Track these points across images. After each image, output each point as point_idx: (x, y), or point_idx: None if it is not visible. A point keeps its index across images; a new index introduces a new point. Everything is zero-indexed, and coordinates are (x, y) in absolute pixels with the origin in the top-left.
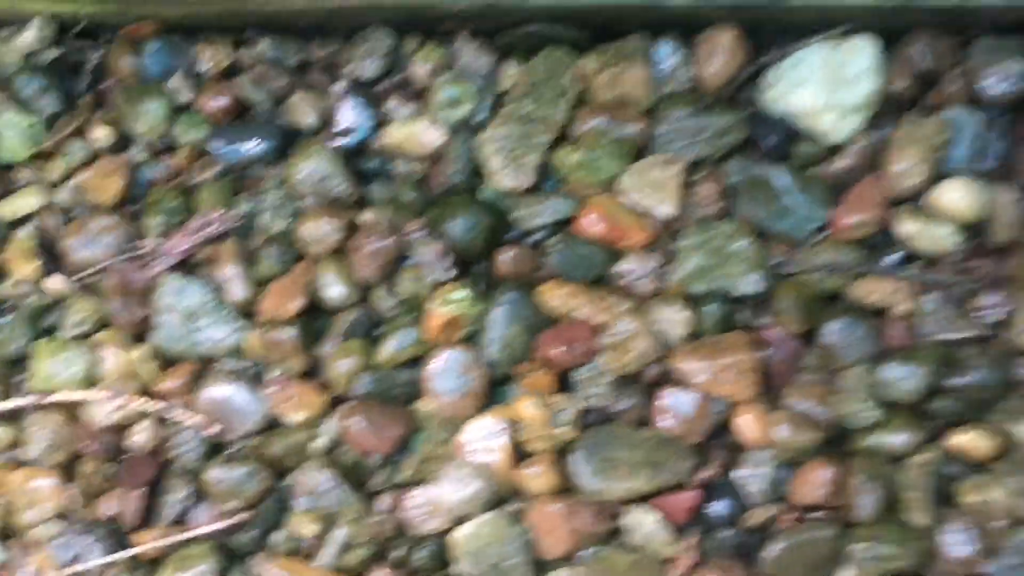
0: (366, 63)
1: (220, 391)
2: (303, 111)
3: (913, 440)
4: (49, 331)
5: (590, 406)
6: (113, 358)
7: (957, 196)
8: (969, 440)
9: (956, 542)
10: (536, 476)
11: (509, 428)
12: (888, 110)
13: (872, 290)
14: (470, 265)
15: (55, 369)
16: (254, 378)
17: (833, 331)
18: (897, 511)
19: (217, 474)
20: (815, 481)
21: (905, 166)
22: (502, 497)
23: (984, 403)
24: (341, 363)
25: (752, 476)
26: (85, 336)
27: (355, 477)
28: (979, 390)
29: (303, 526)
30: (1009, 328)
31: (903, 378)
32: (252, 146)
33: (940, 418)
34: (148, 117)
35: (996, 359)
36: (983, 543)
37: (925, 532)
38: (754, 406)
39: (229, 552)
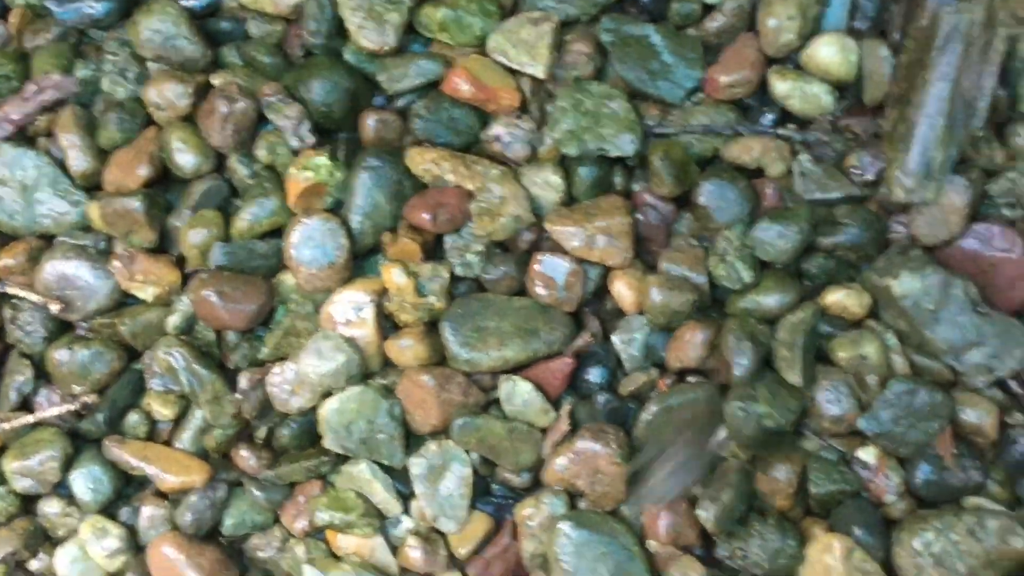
0: None
1: (63, 267)
2: None
3: (787, 300)
4: None
5: (460, 275)
6: None
7: (831, 54)
8: (842, 298)
9: (829, 399)
10: (405, 348)
11: (376, 299)
12: None
13: (746, 151)
14: (332, 131)
15: None
16: (100, 254)
17: (707, 193)
18: (772, 371)
19: (60, 355)
20: (690, 344)
21: (779, 23)
22: (370, 370)
23: (857, 261)
24: (194, 235)
25: (627, 342)
26: None
27: (213, 355)
28: (852, 248)
29: (159, 408)
30: (881, 186)
31: (776, 238)
32: (92, 6)
33: (814, 277)
34: None
35: (869, 218)
36: (856, 398)
37: (799, 390)
38: (628, 271)
39: (77, 437)
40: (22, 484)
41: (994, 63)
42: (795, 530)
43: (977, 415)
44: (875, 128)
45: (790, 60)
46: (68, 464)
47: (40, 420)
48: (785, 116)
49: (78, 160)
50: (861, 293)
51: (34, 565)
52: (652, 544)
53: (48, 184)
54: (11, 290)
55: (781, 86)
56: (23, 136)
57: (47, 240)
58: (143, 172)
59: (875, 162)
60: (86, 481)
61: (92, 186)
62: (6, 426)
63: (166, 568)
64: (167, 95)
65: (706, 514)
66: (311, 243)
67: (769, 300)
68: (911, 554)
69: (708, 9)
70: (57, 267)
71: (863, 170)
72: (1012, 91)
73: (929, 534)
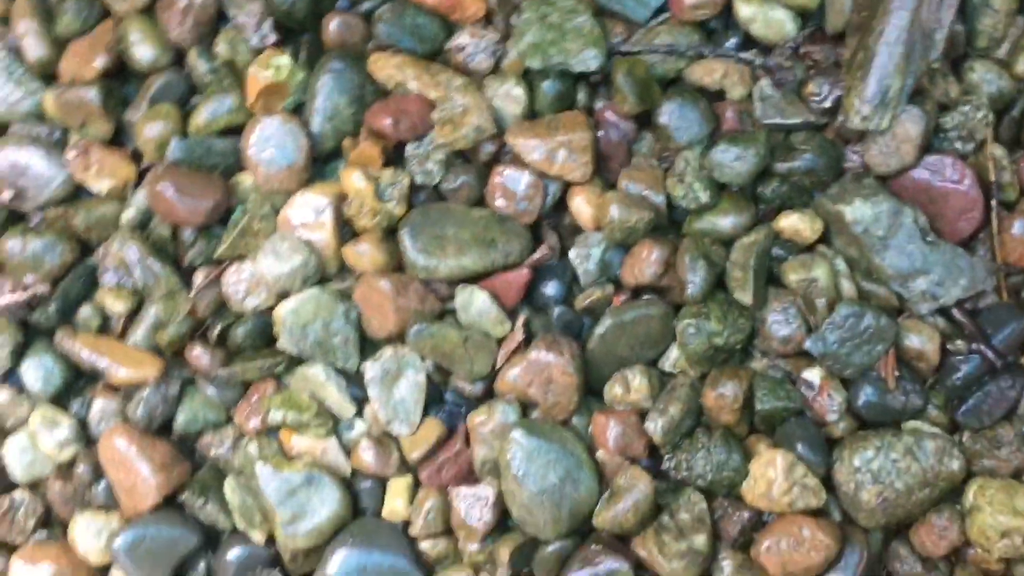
0: None
1: (16, 156)
2: None
3: (741, 222)
4: None
5: (420, 182)
6: None
7: None
8: (795, 222)
9: (778, 320)
10: (363, 253)
11: (335, 203)
12: None
13: (708, 73)
14: (294, 31)
15: None
16: (55, 144)
17: (668, 113)
18: (724, 291)
19: (11, 245)
20: (645, 261)
21: None
22: (327, 274)
23: (812, 187)
24: (150, 128)
25: (584, 256)
26: None
27: (167, 251)
28: (808, 174)
29: (111, 302)
30: (838, 114)
31: (734, 161)
32: None
33: (769, 201)
34: None
35: (825, 145)
36: (804, 320)
37: (749, 310)
38: (588, 187)
39: (27, 327)
40: None
41: None
42: (740, 445)
43: (920, 341)
44: (835, 56)
45: None
46: (19, 354)
47: None
48: (748, 40)
49: (34, 48)
50: (814, 218)
51: None
52: (601, 454)
53: (2, 71)
54: None
55: (745, 10)
56: None
57: None
58: (100, 63)
59: (834, 90)
60: (37, 371)
61: (48, 75)
62: None
63: (117, 460)
64: None
65: (654, 426)
66: (270, 143)
67: (724, 221)
68: (851, 470)
69: None
70: (9, 155)
71: (822, 97)
72: (969, 27)
73: (869, 452)
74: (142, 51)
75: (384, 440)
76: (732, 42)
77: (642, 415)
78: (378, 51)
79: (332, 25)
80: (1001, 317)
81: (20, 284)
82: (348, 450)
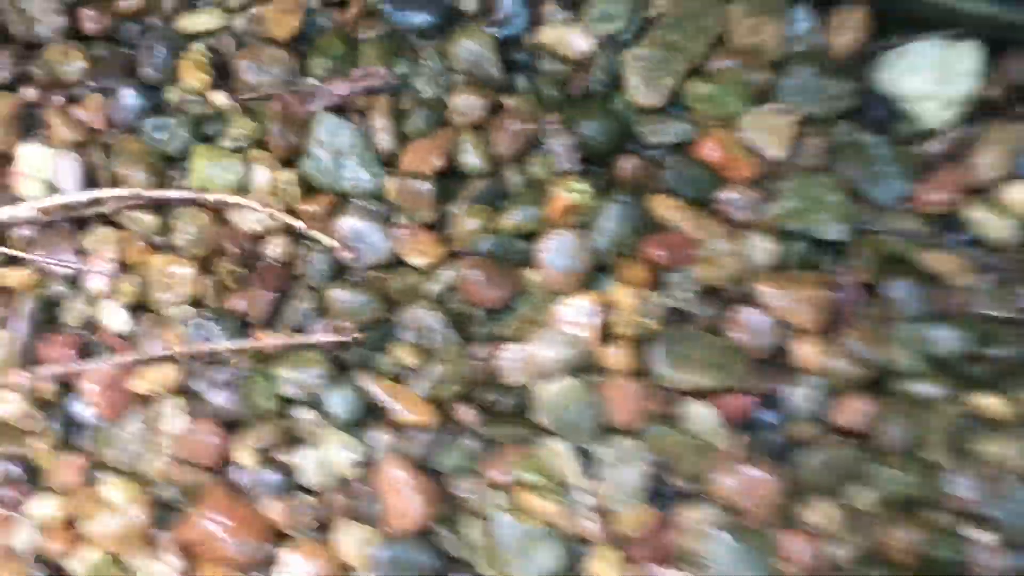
0: None
1: (354, 224)
2: None
3: (945, 392)
4: (208, 139)
5: (675, 306)
6: (263, 175)
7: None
8: (993, 403)
9: (965, 484)
10: (618, 355)
11: (602, 309)
12: (981, 111)
13: (937, 260)
14: (593, 163)
15: (211, 172)
16: (386, 220)
17: (897, 288)
18: (919, 449)
19: (339, 294)
20: (854, 410)
21: (987, 161)
22: (585, 367)
23: (1012, 375)
24: (467, 222)
25: (801, 395)
26: (241, 150)
27: (459, 323)
28: (1010, 363)
29: (406, 356)
30: None
31: (947, 339)
32: (419, 17)
33: (972, 379)
34: None
35: None
36: (988, 489)
37: (940, 470)
38: (815, 337)
39: (338, 363)
40: (289, 390)
41: None
42: None
43: None
44: None
45: (988, 193)
46: (328, 383)
47: (313, 343)
48: (975, 239)
49: (384, 140)
50: (1011, 403)
51: (281, 459)
52: (789, 567)
53: (356, 154)
54: (313, 233)
55: (976, 214)
56: (343, 110)
57: (344, 199)
58: (436, 162)
59: None
60: (340, 400)
61: (390, 164)
62: (286, 341)
63: (394, 486)
64: (466, 104)
65: (838, 551)
66: (560, 251)
67: (931, 390)
68: None
69: (928, 134)
70: (351, 223)
71: None
72: None
73: None
74: (470, 158)
75: (605, 514)
76: (961, 237)
77: (829, 541)
78: (659, 192)
79: (626, 164)
80: None
81: (338, 327)
82: (574, 516)
